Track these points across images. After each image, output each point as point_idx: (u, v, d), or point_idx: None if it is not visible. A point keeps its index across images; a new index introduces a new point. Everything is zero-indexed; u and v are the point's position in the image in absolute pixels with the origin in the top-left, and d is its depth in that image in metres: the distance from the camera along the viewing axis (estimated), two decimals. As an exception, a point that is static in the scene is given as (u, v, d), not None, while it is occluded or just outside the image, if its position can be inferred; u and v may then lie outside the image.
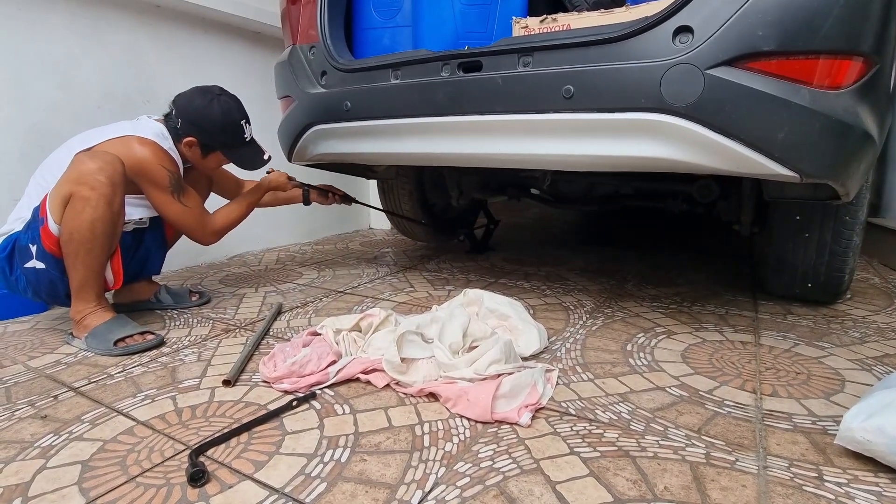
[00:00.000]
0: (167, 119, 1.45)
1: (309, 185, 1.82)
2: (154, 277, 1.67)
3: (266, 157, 1.54)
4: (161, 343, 1.30)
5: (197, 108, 1.41)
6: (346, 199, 1.94)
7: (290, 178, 1.73)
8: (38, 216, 1.27)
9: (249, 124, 1.49)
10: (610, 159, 1.08)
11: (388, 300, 1.66)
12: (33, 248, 1.28)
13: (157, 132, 1.39)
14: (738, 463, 0.78)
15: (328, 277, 1.98)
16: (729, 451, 0.81)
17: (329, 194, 1.88)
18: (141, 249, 1.55)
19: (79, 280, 1.27)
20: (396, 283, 1.88)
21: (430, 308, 1.34)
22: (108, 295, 1.64)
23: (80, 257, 1.24)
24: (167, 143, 1.40)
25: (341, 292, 1.77)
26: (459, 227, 2.51)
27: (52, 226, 1.25)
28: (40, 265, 1.28)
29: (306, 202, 1.84)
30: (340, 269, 2.10)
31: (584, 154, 1.09)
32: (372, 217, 3.26)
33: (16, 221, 1.32)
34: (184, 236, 1.72)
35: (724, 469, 0.77)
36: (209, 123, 1.41)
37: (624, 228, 3.15)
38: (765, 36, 0.88)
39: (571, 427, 0.89)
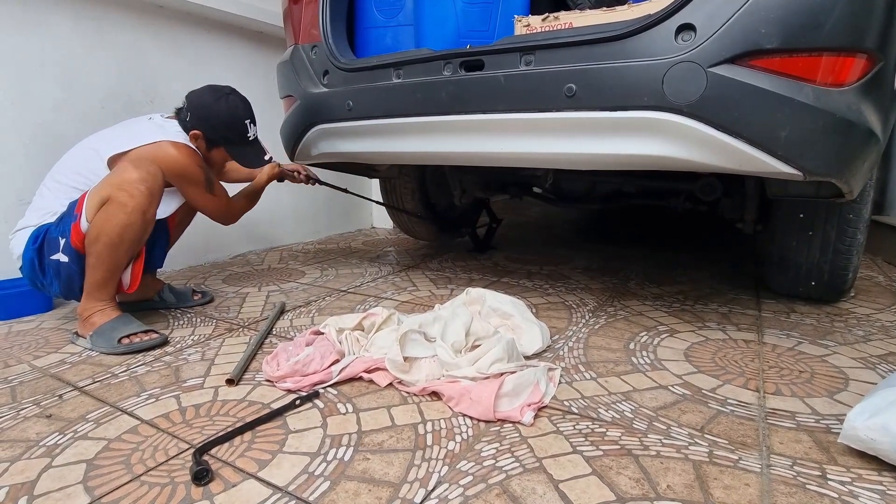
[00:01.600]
0: (178, 113, 1.50)
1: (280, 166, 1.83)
2: (159, 275, 1.69)
3: (267, 157, 1.57)
4: (165, 342, 1.30)
5: (205, 104, 1.45)
6: (314, 181, 1.96)
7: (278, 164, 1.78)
8: (73, 212, 1.30)
9: (255, 125, 1.52)
10: (612, 157, 1.08)
11: (390, 299, 1.66)
12: (61, 241, 1.30)
13: (180, 134, 1.45)
14: (741, 462, 0.78)
15: (331, 276, 1.98)
16: (732, 450, 0.81)
17: (295, 174, 1.91)
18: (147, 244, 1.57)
19: (97, 279, 1.29)
20: (399, 282, 1.88)
21: (433, 307, 1.35)
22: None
23: (103, 258, 1.27)
24: (191, 143, 1.45)
25: (344, 291, 1.77)
26: (462, 225, 2.51)
27: (84, 224, 1.28)
28: (64, 258, 1.31)
29: (279, 179, 1.85)
30: (343, 269, 2.11)
31: (586, 153, 1.09)
32: (374, 216, 3.26)
33: (46, 215, 1.34)
34: (184, 233, 1.76)
35: (727, 468, 0.77)
36: (215, 119, 1.45)
37: (626, 227, 3.14)
38: (767, 33, 0.88)
39: (574, 426, 0.89)
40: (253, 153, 1.55)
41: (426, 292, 1.73)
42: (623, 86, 1.00)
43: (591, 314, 1.47)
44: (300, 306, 1.60)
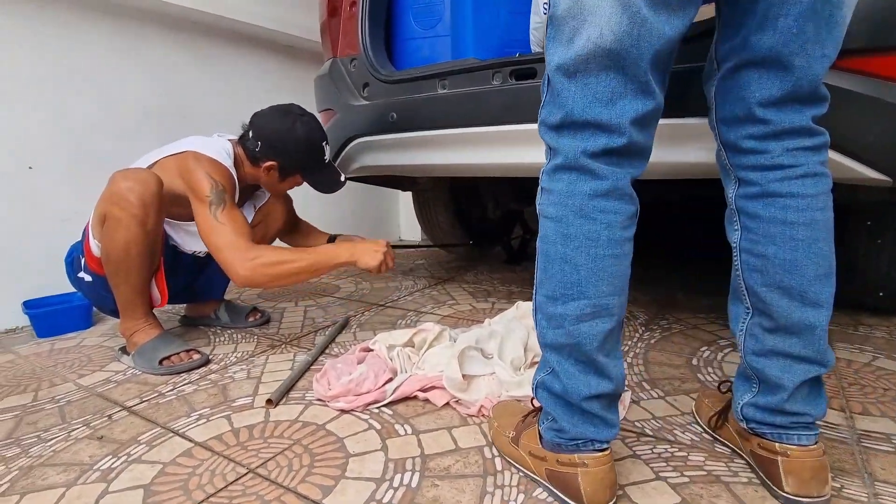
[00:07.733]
0: (243, 140, 1.35)
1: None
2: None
3: (342, 179, 1.44)
4: (206, 362, 1.27)
5: (279, 131, 1.31)
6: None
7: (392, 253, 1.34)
8: (84, 231, 1.28)
9: (328, 144, 1.39)
10: (673, 165, 1.04)
11: (431, 313, 1.62)
12: (82, 260, 1.29)
13: (219, 149, 1.30)
14: (844, 490, 0.72)
15: (366, 290, 1.95)
16: (832, 476, 0.75)
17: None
18: (207, 271, 1.51)
19: (123, 298, 1.25)
20: (437, 295, 1.84)
21: (480, 321, 1.30)
22: (181, 307, 1.64)
23: (121, 277, 1.22)
24: (227, 161, 1.30)
25: (382, 305, 1.74)
26: (495, 237, 2.47)
27: (93, 244, 1.25)
28: (87, 278, 1.30)
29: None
30: (377, 282, 2.08)
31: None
32: (402, 228, 3.24)
33: None
34: None
35: (833, 497, 0.71)
36: (293, 146, 1.31)
37: (657, 234, 3.07)
38: (851, 32, 0.83)
39: (651, 449, 0.84)
40: (329, 177, 1.41)
41: (467, 306, 1.69)
42: (682, 92, 0.96)
43: (643, 328, 1.42)
44: (339, 321, 1.57)
